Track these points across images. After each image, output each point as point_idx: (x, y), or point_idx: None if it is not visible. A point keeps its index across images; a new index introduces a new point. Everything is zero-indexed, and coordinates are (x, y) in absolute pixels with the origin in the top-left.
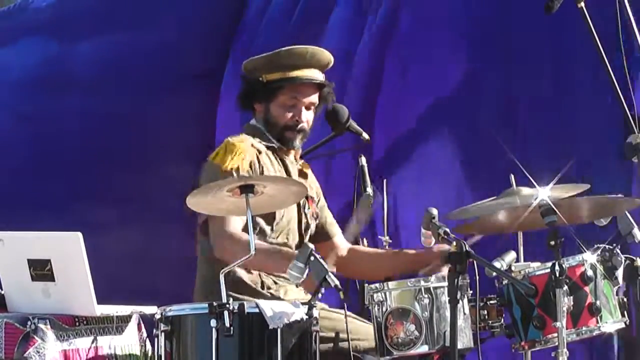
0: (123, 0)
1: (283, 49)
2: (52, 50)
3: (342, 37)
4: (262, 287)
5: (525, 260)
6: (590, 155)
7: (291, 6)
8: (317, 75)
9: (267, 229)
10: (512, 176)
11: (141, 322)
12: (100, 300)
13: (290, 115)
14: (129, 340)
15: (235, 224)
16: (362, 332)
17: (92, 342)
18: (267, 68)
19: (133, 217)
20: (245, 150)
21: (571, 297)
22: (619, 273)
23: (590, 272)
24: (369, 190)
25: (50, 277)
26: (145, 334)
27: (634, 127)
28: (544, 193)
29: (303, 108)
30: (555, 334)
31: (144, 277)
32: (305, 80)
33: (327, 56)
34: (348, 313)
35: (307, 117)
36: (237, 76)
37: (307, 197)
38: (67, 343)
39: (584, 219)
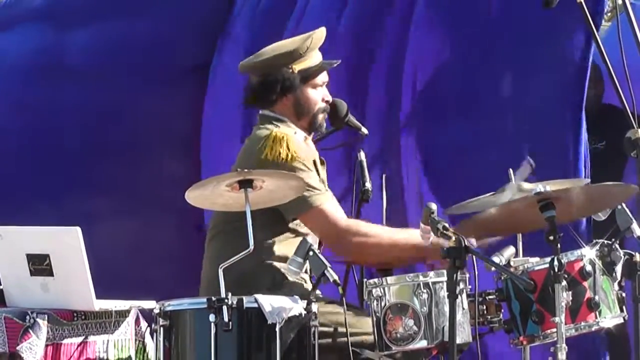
0: None
1: (310, 36)
2: (47, 39)
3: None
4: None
5: (524, 255)
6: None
7: None
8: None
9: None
10: (511, 171)
11: (140, 317)
12: (98, 292)
13: (321, 97)
14: (124, 337)
15: (334, 207)
16: (364, 325)
17: (85, 339)
18: (294, 58)
19: (128, 209)
20: (301, 143)
21: (570, 292)
22: (618, 268)
23: (589, 268)
24: (368, 185)
25: (49, 272)
26: (144, 329)
27: (634, 123)
28: (543, 187)
29: (325, 87)
30: (554, 329)
31: (140, 269)
32: (329, 62)
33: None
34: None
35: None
36: (228, 68)
37: None
38: (62, 339)
39: (582, 212)
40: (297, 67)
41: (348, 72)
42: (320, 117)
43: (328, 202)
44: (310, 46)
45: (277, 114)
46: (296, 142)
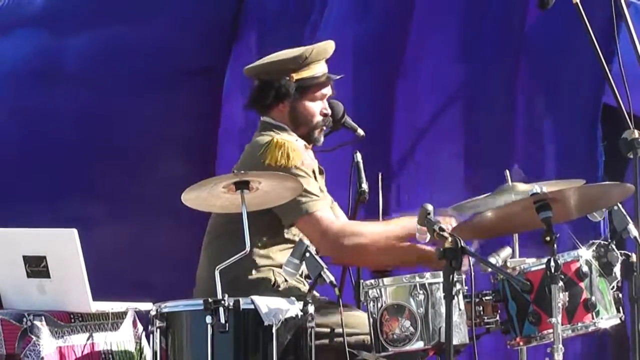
0: None
1: (313, 47)
2: (47, 43)
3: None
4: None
5: (520, 256)
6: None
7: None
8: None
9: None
10: (507, 172)
11: (136, 319)
12: (94, 295)
13: (319, 110)
14: (124, 336)
15: (329, 214)
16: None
17: (88, 339)
18: (297, 67)
19: (127, 212)
20: (302, 150)
21: (566, 293)
22: (615, 269)
23: (585, 268)
24: (364, 186)
25: (45, 274)
26: (140, 330)
27: (629, 123)
28: (539, 188)
29: (325, 101)
30: (551, 330)
31: (137, 272)
32: (331, 75)
33: (333, 48)
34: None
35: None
36: (240, 73)
37: None
38: (62, 340)
39: (578, 212)
40: (296, 76)
41: None
42: (317, 131)
43: (324, 209)
44: (310, 56)
45: (278, 122)
46: (297, 148)
